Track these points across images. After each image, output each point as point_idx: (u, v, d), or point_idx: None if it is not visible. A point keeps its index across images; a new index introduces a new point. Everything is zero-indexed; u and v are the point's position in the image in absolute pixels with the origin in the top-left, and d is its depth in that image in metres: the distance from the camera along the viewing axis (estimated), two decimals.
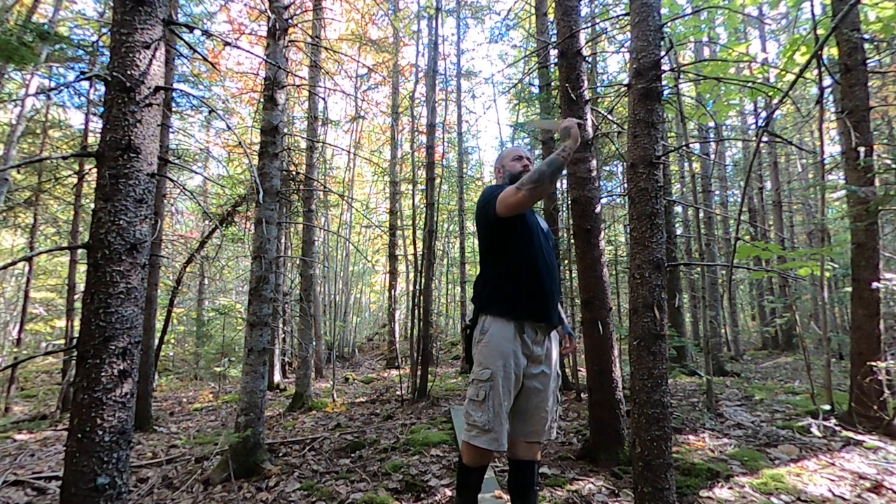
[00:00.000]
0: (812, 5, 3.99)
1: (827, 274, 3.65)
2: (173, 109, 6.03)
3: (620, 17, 5.02)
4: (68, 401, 5.99)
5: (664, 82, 2.16)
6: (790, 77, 4.01)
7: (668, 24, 3.47)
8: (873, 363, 3.36)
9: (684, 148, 6.39)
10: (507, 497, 2.45)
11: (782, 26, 10.84)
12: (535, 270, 1.83)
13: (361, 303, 19.78)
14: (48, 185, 6.93)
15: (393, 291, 10.89)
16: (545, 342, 1.88)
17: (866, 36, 3.86)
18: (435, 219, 6.33)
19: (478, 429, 1.72)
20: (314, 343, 8.20)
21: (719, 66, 4.40)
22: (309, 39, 5.56)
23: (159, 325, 6.21)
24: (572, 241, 4.06)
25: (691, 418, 3.88)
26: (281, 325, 9.50)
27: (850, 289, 3.69)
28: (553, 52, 5.41)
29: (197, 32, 6.30)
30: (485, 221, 1.89)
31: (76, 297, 6.78)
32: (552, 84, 5.76)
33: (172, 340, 12.38)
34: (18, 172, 7.07)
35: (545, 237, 1.97)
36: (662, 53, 2.12)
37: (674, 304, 6.85)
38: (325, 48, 5.73)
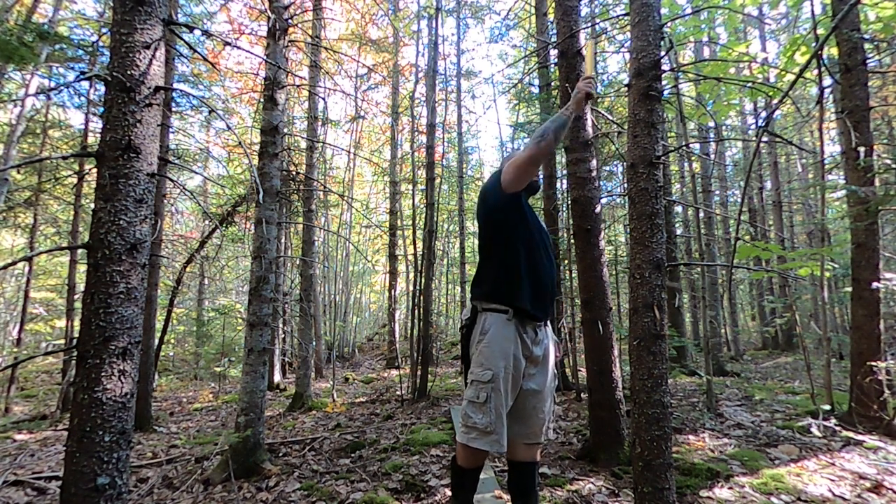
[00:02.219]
0: (812, 5, 4.00)
1: (827, 274, 3.65)
2: (173, 109, 6.03)
3: (620, 17, 5.02)
4: (68, 401, 5.99)
5: (664, 82, 2.16)
6: (790, 77, 4.01)
7: (668, 24, 3.48)
8: (873, 363, 3.36)
9: (684, 148, 6.40)
10: (507, 497, 2.45)
11: (782, 26, 10.84)
12: (536, 262, 1.82)
13: (361, 303, 19.77)
14: (48, 185, 6.93)
15: (393, 291, 10.89)
16: (544, 342, 1.87)
17: (866, 36, 3.86)
18: (435, 219, 6.33)
19: (478, 431, 1.68)
20: (314, 343, 8.20)
21: (719, 66, 4.40)
22: (309, 39, 5.56)
23: (159, 325, 6.21)
24: (572, 241, 4.06)
25: (691, 418, 3.88)
26: (281, 325, 9.50)
27: (850, 289, 3.69)
28: (553, 52, 5.41)
29: (197, 32, 6.30)
30: (490, 204, 1.87)
31: (76, 297, 6.78)
32: (552, 84, 5.76)
33: (172, 340, 12.38)
34: (18, 172, 7.07)
35: (544, 236, 1.97)
36: (662, 53, 2.12)
37: (674, 304, 6.85)
38: (325, 48, 5.74)
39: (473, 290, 1.89)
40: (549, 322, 1.95)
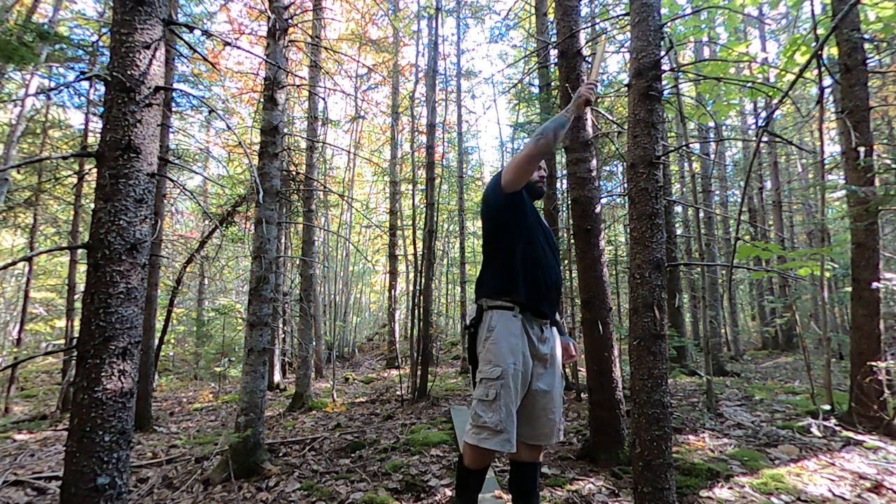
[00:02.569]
0: (812, 5, 4.00)
1: (827, 274, 3.65)
2: (173, 109, 6.03)
3: (620, 17, 5.01)
4: (68, 401, 5.99)
5: (664, 82, 2.16)
6: (790, 77, 4.01)
7: (668, 24, 3.48)
8: (873, 363, 3.36)
9: (684, 148, 6.40)
10: (507, 497, 2.45)
11: (782, 26, 10.84)
12: (538, 261, 1.83)
13: (361, 303, 19.77)
14: (48, 185, 6.93)
15: (393, 291, 10.90)
16: (550, 341, 1.87)
17: (866, 36, 3.86)
18: (435, 219, 6.33)
19: (489, 430, 1.65)
20: (314, 343, 8.20)
21: (719, 66, 4.40)
22: (309, 39, 5.56)
23: (159, 325, 6.21)
24: (572, 241, 4.06)
25: (691, 418, 3.88)
26: (281, 325, 9.50)
27: (850, 289, 3.69)
28: (553, 52, 5.41)
29: (197, 32, 6.30)
30: (492, 204, 1.88)
31: (76, 297, 6.78)
32: (552, 84, 5.76)
33: (172, 340, 12.37)
34: (18, 172, 7.07)
35: (547, 236, 1.97)
36: (662, 53, 2.12)
37: (674, 304, 6.85)
38: (325, 48, 5.74)
39: (477, 290, 1.90)
40: (555, 322, 1.95)
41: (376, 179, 15.33)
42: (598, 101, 1.92)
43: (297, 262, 7.99)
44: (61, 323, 9.13)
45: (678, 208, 9.41)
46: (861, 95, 3.57)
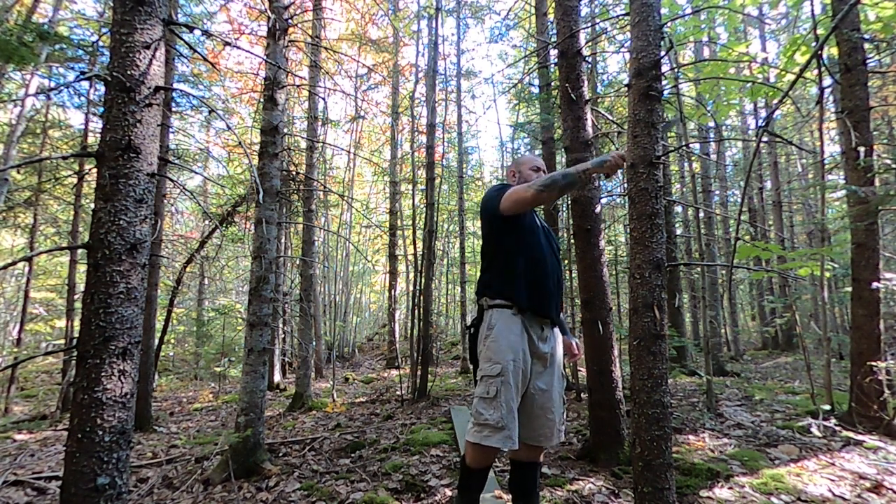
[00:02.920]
0: (812, 5, 3.99)
1: (827, 274, 3.65)
2: (173, 109, 6.03)
3: (620, 17, 5.01)
4: (68, 401, 5.99)
5: (664, 82, 2.16)
6: (790, 77, 4.01)
7: (668, 24, 3.47)
8: (873, 363, 3.36)
9: (684, 148, 6.39)
10: (507, 497, 2.45)
11: (782, 26, 10.84)
12: (537, 261, 1.84)
13: (361, 303, 19.77)
14: (48, 185, 6.92)
15: (393, 291, 10.89)
16: (550, 340, 1.87)
17: (866, 36, 3.86)
18: (435, 219, 6.33)
19: (490, 427, 1.66)
20: (314, 343, 8.20)
21: (719, 66, 4.40)
22: (309, 39, 5.56)
23: (159, 325, 6.20)
24: (572, 241, 4.06)
25: (691, 418, 3.88)
26: (281, 325, 9.49)
27: (850, 289, 3.69)
28: (553, 52, 5.41)
29: (197, 32, 6.30)
30: (488, 216, 1.92)
31: (76, 297, 6.78)
32: (552, 84, 5.76)
33: (172, 340, 12.37)
34: (18, 172, 7.07)
35: (548, 237, 1.99)
36: (662, 53, 2.12)
37: (674, 304, 6.85)
38: (325, 48, 5.73)
39: (478, 289, 1.93)
40: (557, 321, 1.96)
41: (376, 179, 15.33)
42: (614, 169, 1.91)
43: (297, 262, 7.99)
44: (61, 323, 9.12)
45: (678, 208, 9.41)
46: (861, 95, 3.57)
